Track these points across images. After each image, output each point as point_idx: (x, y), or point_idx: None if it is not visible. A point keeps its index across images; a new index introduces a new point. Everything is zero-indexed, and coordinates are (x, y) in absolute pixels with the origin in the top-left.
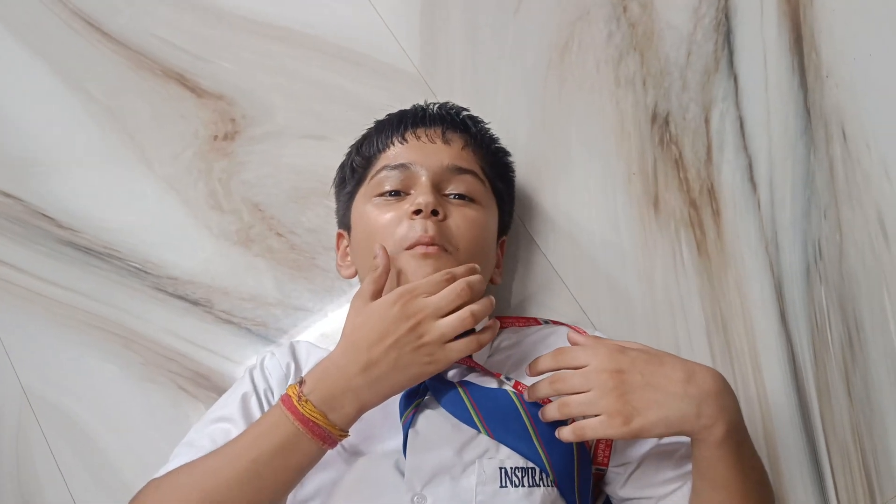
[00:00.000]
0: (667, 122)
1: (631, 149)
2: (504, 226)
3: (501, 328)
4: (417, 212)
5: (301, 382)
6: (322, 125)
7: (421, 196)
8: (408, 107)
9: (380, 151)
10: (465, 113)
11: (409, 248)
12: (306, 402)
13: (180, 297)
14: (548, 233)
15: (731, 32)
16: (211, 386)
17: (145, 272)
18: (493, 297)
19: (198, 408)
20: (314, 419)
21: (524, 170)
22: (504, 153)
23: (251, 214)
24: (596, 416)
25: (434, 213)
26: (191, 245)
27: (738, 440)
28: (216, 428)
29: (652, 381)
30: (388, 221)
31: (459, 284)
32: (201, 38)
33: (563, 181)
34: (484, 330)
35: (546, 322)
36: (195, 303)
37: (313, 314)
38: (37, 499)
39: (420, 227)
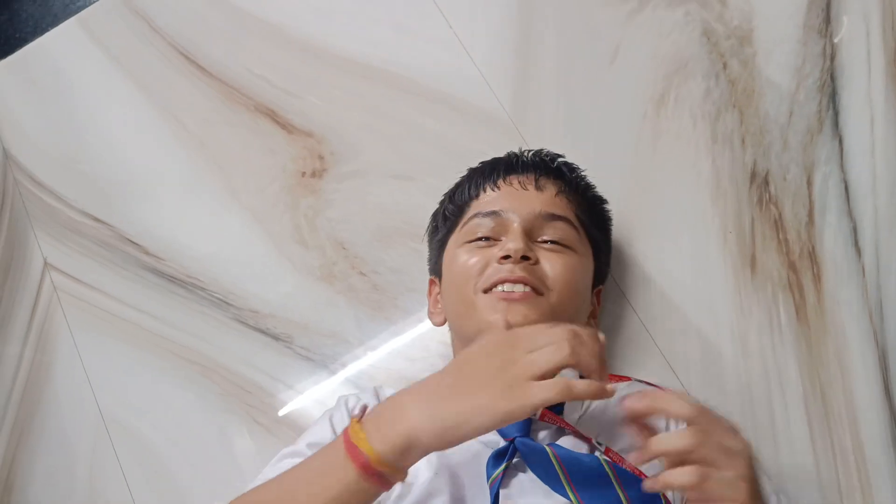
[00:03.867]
0: (766, 182)
1: (727, 207)
2: (601, 275)
3: None
4: (506, 257)
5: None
6: (410, 166)
7: (511, 242)
8: (497, 153)
9: (472, 198)
10: (559, 160)
11: (489, 288)
12: (357, 422)
13: (261, 331)
14: (637, 287)
15: (837, 94)
16: (287, 421)
17: (227, 303)
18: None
19: (272, 442)
20: (355, 440)
21: (615, 222)
22: (600, 200)
23: (335, 251)
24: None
25: (525, 258)
26: (273, 278)
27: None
28: (289, 463)
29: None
30: (474, 264)
31: (567, 332)
32: (294, 74)
33: (655, 236)
34: (586, 382)
35: (639, 382)
36: (275, 337)
37: (394, 356)
38: None
39: (507, 270)
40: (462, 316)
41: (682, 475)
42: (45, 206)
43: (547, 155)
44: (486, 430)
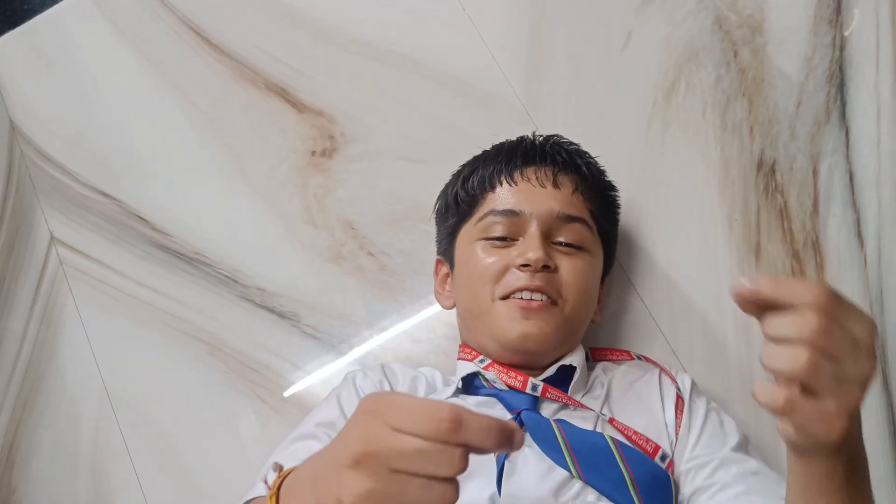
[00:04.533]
0: (773, 171)
1: (734, 195)
2: (608, 267)
3: (596, 360)
4: (525, 265)
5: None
6: (421, 149)
7: (531, 251)
8: (508, 137)
9: (487, 190)
10: (574, 147)
11: (507, 296)
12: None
13: (268, 309)
14: (644, 274)
15: (845, 85)
16: (292, 400)
17: (234, 281)
18: None
19: (277, 420)
20: None
21: (623, 209)
22: (611, 188)
23: (344, 232)
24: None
25: (545, 266)
26: (281, 258)
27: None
28: (301, 446)
29: None
30: (492, 265)
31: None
32: (306, 54)
33: (662, 223)
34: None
35: (639, 357)
36: (282, 315)
37: (400, 337)
38: (109, 493)
39: (526, 279)
40: (476, 317)
41: (767, 396)
42: (52, 180)
43: (562, 144)
44: None
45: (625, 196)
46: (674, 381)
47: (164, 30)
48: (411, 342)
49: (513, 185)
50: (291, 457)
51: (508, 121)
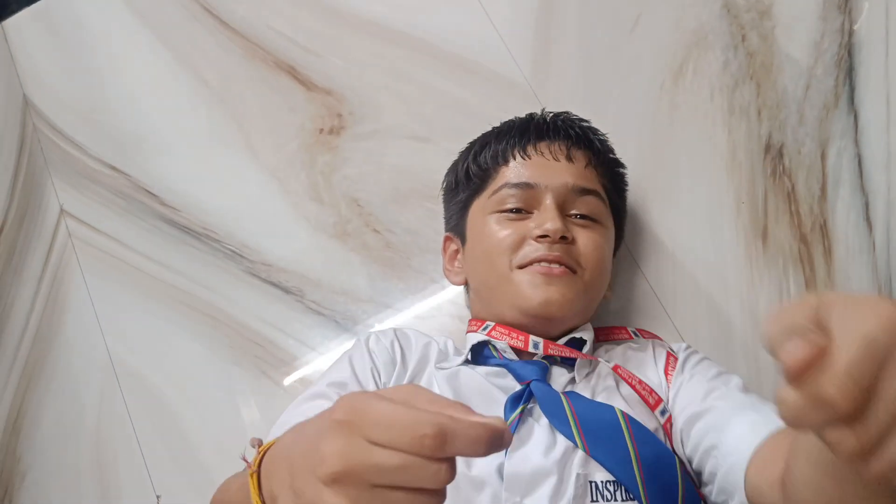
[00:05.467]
0: (780, 155)
1: (741, 178)
2: (618, 242)
3: (599, 340)
4: (543, 236)
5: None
6: (427, 128)
7: (549, 222)
8: (516, 116)
9: (500, 164)
10: (585, 124)
11: (525, 265)
12: (253, 481)
13: (273, 284)
14: (650, 255)
15: (854, 69)
16: (295, 374)
17: (241, 256)
18: None
19: (279, 394)
20: None
21: (630, 191)
22: (620, 164)
23: (350, 209)
24: None
25: (563, 238)
26: (288, 234)
27: None
28: (312, 406)
29: None
30: (507, 237)
31: (436, 471)
32: (316, 33)
33: (669, 205)
34: None
35: (635, 332)
36: (287, 291)
37: (403, 314)
38: (112, 464)
39: (545, 249)
40: (494, 288)
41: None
42: (63, 154)
43: (573, 120)
44: None
45: (632, 178)
46: (663, 342)
47: (176, 7)
48: (416, 320)
49: (526, 158)
50: (302, 416)
51: (516, 101)
